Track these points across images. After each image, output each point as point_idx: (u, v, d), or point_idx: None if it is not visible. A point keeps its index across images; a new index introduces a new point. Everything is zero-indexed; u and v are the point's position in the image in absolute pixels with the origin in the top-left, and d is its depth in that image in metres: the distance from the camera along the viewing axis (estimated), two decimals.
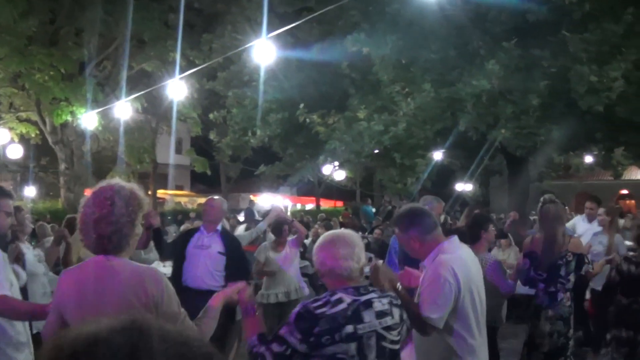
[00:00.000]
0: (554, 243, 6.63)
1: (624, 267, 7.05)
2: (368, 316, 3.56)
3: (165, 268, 9.49)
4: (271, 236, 10.31)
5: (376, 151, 15.91)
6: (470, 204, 14.52)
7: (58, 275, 8.86)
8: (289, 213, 16.65)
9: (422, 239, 4.46)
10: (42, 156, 32.53)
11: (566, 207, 27.38)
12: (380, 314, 3.62)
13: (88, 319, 3.25)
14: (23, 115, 26.33)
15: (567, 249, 6.67)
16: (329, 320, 3.46)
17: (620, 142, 16.42)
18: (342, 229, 7.20)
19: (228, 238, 8.27)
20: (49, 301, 4.90)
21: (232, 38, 18.83)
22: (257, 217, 17.02)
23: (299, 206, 43.58)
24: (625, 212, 21.84)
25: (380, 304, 3.66)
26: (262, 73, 15.58)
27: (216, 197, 9.10)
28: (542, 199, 7.05)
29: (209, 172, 33.42)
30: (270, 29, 11.08)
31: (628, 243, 10.93)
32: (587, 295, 9.00)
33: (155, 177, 34.52)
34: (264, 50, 10.40)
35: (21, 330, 4.77)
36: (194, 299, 5.36)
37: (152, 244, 7.88)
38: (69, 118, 23.34)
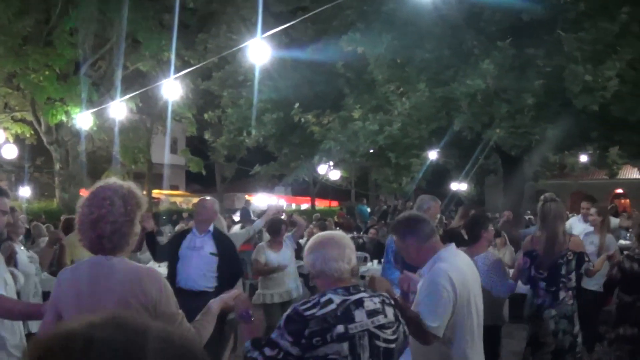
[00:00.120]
0: (555, 242, 6.60)
1: (626, 264, 7.05)
2: (359, 315, 3.54)
3: (161, 268, 9.47)
4: (266, 235, 10.30)
5: (371, 151, 15.89)
6: (465, 203, 14.53)
7: (53, 275, 8.84)
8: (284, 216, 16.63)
9: (419, 246, 4.48)
10: (37, 156, 32.47)
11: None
12: (372, 313, 3.60)
13: None
14: (18, 115, 26.34)
15: (567, 248, 6.66)
16: (319, 321, 3.44)
17: (615, 141, 16.45)
18: (336, 229, 7.20)
19: (220, 239, 8.25)
20: (40, 302, 4.87)
21: (227, 38, 18.82)
22: (253, 217, 17.02)
23: (294, 206, 43.61)
24: (621, 211, 21.90)
25: (371, 303, 3.64)
26: (257, 73, 15.58)
27: (208, 197, 9.10)
28: (542, 197, 7.02)
29: (204, 172, 33.40)
30: (265, 28, 11.06)
31: (622, 242, 10.94)
32: None
33: (150, 177, 34.46)
34: (258, 50, 10.38)
35: (15, 331, 4.76)
36: (187, 300, 5.35)
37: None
38: (64, 118, 23.34)
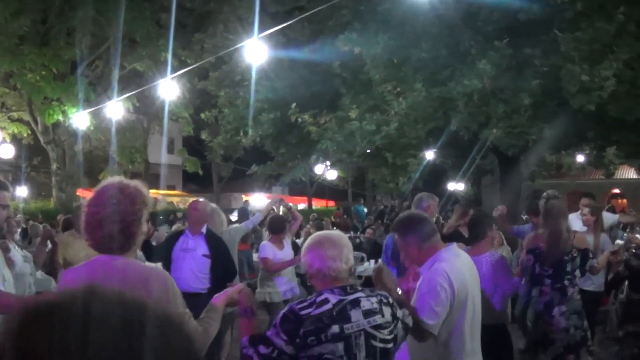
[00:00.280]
0: (559, 239, 6.59)
1: (633, 262, 7.07)
2: (355, 315, 3.55)
3: None
4: (265, 235, 10.28)
5: (368, 151, 15.90)
6: (461, 202, 14.53)
7: (48, 275, 8.82)
8: (280, 212, 16.59)
9: (420, 245, 4.49)
10: (34, 156, 32.50)
11: None
12: (368, 313, 3.61)
13: None
14: (15, 115, 26.38)
15: (572, 245, 6.66)
16: (314, 321, 3.45)
17: (612, 141, 16.47)
18: (333, 229, 7.18)
19: (213, 240, 8.25)
20: None
21: (224, 38, 18.80)
22: (251, 217, 17.04)
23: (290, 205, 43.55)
24: (619, 211, 21.91)
25: (368, 303, 3.65)
26: (253, 73, 15.55)
27: (201, 199, 9.10)
28: (545, 194, 7.00)
29: (200, 172, 33.48)
30: (262, 28, 11.07)
31: (619, 242, 10.91)
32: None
33: (147, 177, 34.50)
34: (255, 50, 10.40)
35: None
36: None
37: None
38: (61, 118, 23.37)
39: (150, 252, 8.49)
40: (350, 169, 32.59)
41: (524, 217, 12.70)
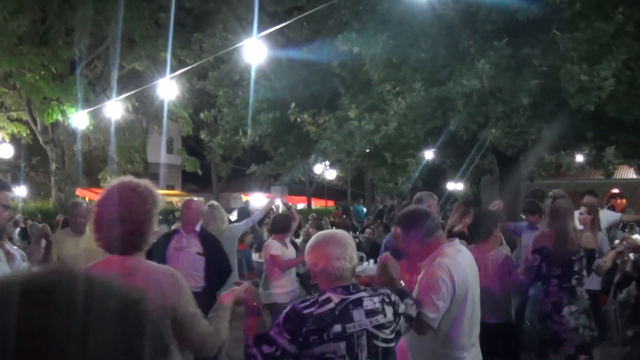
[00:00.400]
0: (567, 238, 6.58)
1: None
2: (357, 315, 3.57)
3: None
4: (265, 233, 10.23)
5: (367, 150, 15.89)
6: (459, 201, 14.52)
7: None
8: (280, 210, 16.60)
9: (422, 240, 4.51)
10: (33, 156, 32.50)
11: None
12: (371, 313, 3.63)
13: None
14: (14, 114, 26.35)
15: (579, 245, 6.65)
16: (316, 320, 3.47)
17: (610, 141, 16.46)
18: (332, 228, 7.17)
19: (207, 238, 8.25)
20: None
21: (223, 37, 18.79)
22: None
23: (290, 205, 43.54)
24: (619, 210, 21.94)
25: (370, 303, 3.66)
26: (252, 72, 15.56)
27: (195, 198, 9.12)
28: (551, 193, 6.97)
29: (199, 172, 33.44)
30: (261, 28, 11.06)
31: (618, 242, 10.92)
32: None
33: (146, 176, 34.26)
34: (254, 50, 10.40)
35: None
36: None
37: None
38: (60, 118, 23.35)
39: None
40: (349, 169, 32.61)
41: (523, 217, 12.71)
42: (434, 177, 21.26)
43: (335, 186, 42.89)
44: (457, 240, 4.76)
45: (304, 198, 43.51)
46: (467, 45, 13.81)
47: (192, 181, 49.80)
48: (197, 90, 23.67)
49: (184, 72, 15.58)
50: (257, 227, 15.39)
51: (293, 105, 15.48)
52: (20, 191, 28.00)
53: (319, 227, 14.34)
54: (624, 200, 41.61)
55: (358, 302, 3.61)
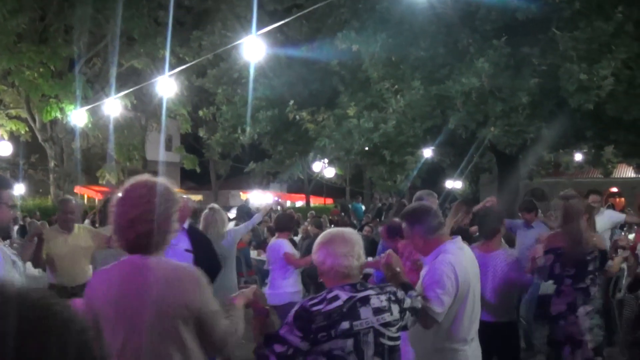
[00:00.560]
0: (581, 239, 6.53)
1: None
2: (365, 313, 3.60)
3: None
4: (260, 233, 10.21)
5: (366, 148, 15.89)
6: (458, 199, 14.48)
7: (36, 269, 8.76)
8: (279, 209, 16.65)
9: (425, 237, 4.59)
10: (31, 153, 32.42)
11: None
12: (378, 311, 3.66)
13: (124, 321, 3.18)
14: (12, 112, 26.34)
15: (593, 245, 6.62)
16: (325, 317, 3.49)
17: (610, 140, 16.47)
18: (330, 226, 7.15)
19: (195, 235, 8.21)
20: None
21: (222, 35, 18.79)
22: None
23: (288, 203, 43.63)
24: (619, 210, 21.93)
25: (377, 301, 3.69)
26: (251, 70, 15.55)
27: (184, 196, 9.07)
28: (563, 193, 6.88)
29: (198, 170, 33.40)
30: (260, 26, 11.05)
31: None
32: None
33: (144, 174, 34.42)
34: (253, 48, 10.38)
35: None
36: None
37: None
38: (59, 115, 23.33)
39: None
40: (348, 167, 32.68)
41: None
42: (432, 176, 21.26)
43: (334, 184, 42.87)
44: (459, 237, 4.78)
45: (303, 196, 43.60)
46: (466, 44, 13.82)
47: (190, 179, 49.76)
48: (196, 87, 23.66)
49: (183, 69, 15.56)
50: (257, 225, 15.37)
51: (292, 103, 15.49)
52: (19, 189, 27.95)
53: (318, 225, 14.33)
54: (623, 199, 41.63)
55: (365, 300, 3.64)
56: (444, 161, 20.86)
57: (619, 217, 11.72)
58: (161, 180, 3.54)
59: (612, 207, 19.06)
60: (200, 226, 8.65)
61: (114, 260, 3.50)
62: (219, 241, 8.66)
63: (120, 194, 3.45)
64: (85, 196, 36.05)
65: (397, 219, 7.55)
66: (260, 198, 32.77)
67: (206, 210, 8.93)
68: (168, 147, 42.81)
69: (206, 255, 8.11)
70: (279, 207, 18.03)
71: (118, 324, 3.23)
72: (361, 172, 37.32)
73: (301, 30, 17.31)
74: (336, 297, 3.58)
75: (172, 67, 17.35)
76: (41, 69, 22.84)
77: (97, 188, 35.57)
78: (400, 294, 3.91)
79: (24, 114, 25.75)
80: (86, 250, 8.06)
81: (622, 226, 16.39)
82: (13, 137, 26.75)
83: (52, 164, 26.51)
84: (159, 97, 23.01)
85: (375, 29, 14.02)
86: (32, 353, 1.16)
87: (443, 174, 24.69)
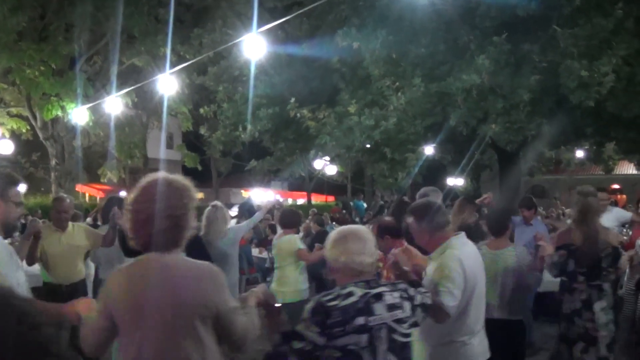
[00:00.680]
0: (597, 237, 6.50)
1: None
2: (379, 309, 3.64)
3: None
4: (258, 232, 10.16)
5: (367, 146, 15.90)
6: (460, 196, 14.45)
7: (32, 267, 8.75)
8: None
9: (432, 233, 4.67)
10: (32, 152, 32.41)
11: (558, 202, 27.43)
12: (391, 307, 3.70)
13: (142, 319, 3.16)
14: (13, 110, 26.33)
15: (609, 242, 6.60)
16: (341, 312, 3.53)
17: (610, 137, 16.47)
18: (332, 224, 7.15)
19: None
20: None
21: (223, 33, 18.79)
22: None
23: (290, 201, 43.62)
24: (621, 207, 21.91)
25: (391, 297, 3.74)
26: (252, 68, 15.55)
27: None
28: (579, 191, 6.79)
29: (199, 167, 33.36)
30: (261, 23, 11.03)
31: None
32: None
33: (146, 172, 34.35)
34: (254, 45, 10.37)
35: None
36: None
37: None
38: (60, 113, 23.30)
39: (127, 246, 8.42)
40: (349, 164, 32.60)
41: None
42: (433, 173, 21.24)
43: (336, 181, 42.87)
44: (464, 233, 4.82)
45: (304, 193, 43.54)
46: (466, 41, 13.82)
47: (191, 177, 49.21)
48: (196, 85, 23.64)
49: (184, 67, 15.56)
50: (258, 222, 15.36)
51: (293, 100, 15.49)
52: (20, 187, 27.94)
53: (320, 223, 14.33)
54: (624, 196, 41.59)
55: (379, 297, 3.68)
56: (444, 158, 20.85)
57: (625, 215, 11.70)
58: (178, 176, 3.55)
59: (615, 204, 19.07)
60: (202, 224, 8.62)
61: (117, 258, 3.50)
62: (221, 238, 8.65)
63: (137, 191, 3.42)
64: (87, 194, 36.07)
65: (387, 218, 7.55)
66: (261, 196, 32.75)
67: (209, 208, 8.90)
68: (169, 145, 42.82)
69: (198, 253, 8.07)
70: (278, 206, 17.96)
71: (137, 323, 3.23)
72: (362, 169, 37.24)
73: (301, 27, 17.31)
74: (351, 293, 3.62)
75: (172, 65, 17.38)
76: (42, 67, 22.80)
77: (98, 186, 35.60)
78: (411, 290, 3.95)
79: (25, 112, 25.72)
80: (80, 249, 8.03)
81: (623, 224, 16.35)
82: (14, 135, 26.75)
83: (53, 162, 26.47)
84: (159, 95, 23.00)
85: (375, 26, 14.01)
86: None
87: (444, 171, 24.66)
